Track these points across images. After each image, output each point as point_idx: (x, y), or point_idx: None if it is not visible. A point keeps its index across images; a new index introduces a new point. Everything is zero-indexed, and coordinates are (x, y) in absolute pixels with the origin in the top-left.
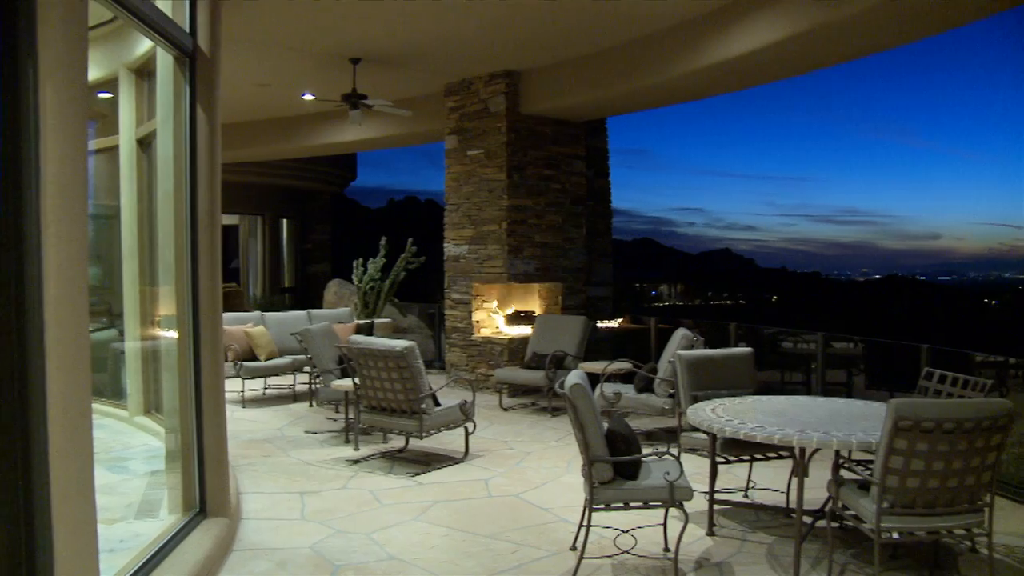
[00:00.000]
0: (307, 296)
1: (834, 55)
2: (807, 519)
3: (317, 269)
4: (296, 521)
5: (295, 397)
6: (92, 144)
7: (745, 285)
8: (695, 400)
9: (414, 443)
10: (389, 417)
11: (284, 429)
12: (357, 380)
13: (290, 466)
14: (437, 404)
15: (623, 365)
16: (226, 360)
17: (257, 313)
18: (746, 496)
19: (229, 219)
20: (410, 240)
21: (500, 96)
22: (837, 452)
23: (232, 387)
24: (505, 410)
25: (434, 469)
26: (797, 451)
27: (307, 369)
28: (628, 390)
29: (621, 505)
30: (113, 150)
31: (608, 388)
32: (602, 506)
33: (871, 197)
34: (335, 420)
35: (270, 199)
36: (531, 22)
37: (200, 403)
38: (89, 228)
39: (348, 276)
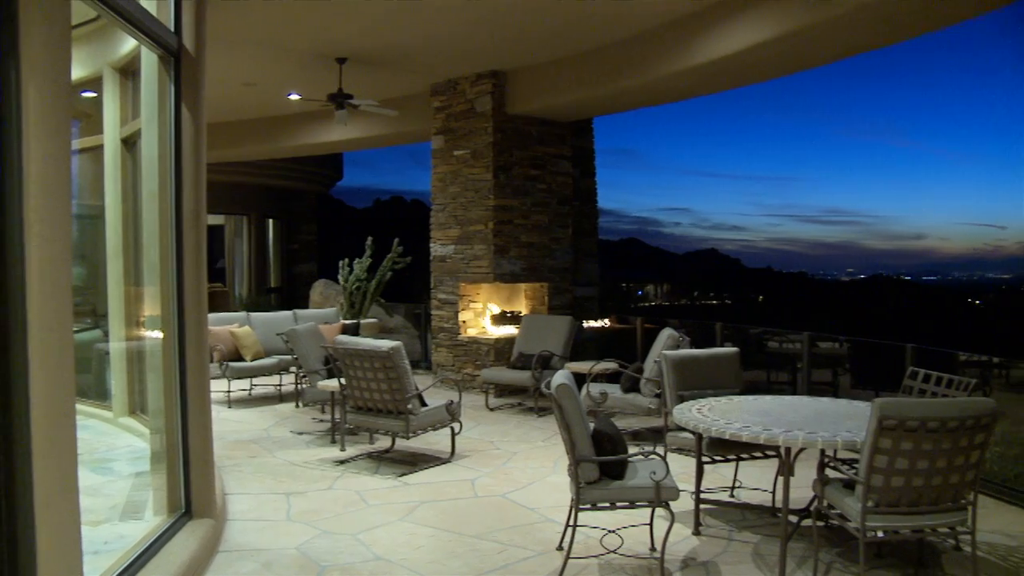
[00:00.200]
0: (293, 296)
1: (820, 56)
2: (793, 518)
3: (303, 269)
4: (282, 522)
5: (281, 398)
6: (76, 143)
7: (731, 285)
8: (681, 400)
9: (400, 443)
10: (375, 417)
11: (270, 430)
12: (343, 380)
13: (276, 467)
14: (423, 404)
15: (609, 365)
16: (212, 360)
17: (243, 313)
18: (732, 495)
19: (215, 219)
20: (396, 240)
21: (486, 96)
22: (822, 451)
23: (218, 387)
24: (491, 410)
25: (420, 469)
26: (783, 450)
27: (293, 369)
28: (614, 390)
29: (607, 505)
30: (98, 149)
31: (594, 388)
32: (588, 506)
33: (856, 197)
34: (321, 421)
35: (256, 199)
36: (517, 22)
37: (185, 404)
38: (73, 228)
39: (334, 276)
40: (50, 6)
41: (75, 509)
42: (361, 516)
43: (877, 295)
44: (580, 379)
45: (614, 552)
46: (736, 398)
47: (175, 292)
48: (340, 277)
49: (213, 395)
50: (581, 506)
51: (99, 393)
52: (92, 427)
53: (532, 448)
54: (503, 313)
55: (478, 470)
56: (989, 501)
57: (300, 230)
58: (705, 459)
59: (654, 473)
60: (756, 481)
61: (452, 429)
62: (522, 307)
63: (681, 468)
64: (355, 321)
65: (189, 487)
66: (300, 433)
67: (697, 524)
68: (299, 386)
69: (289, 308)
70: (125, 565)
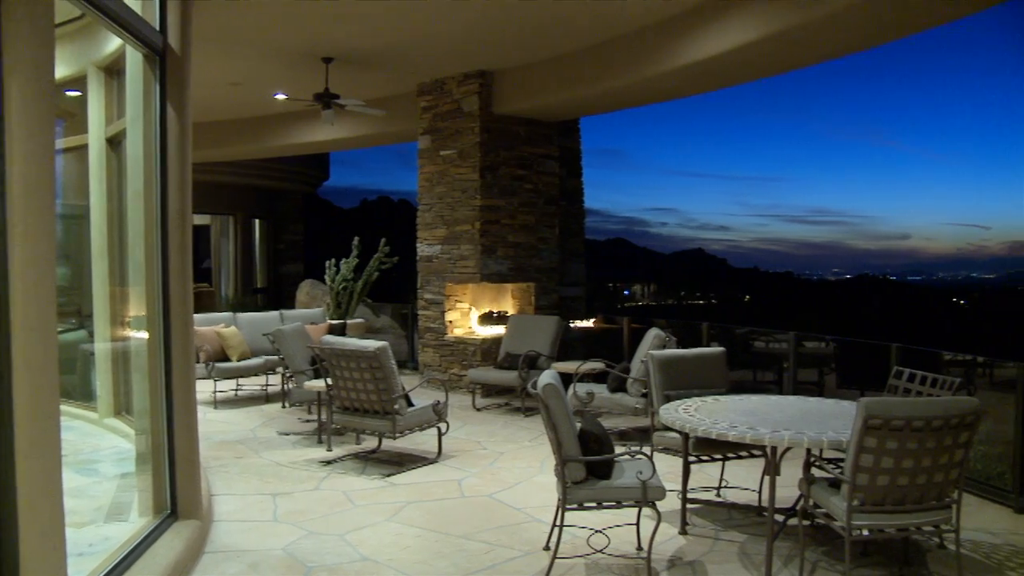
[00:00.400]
0: (279, 296)
1: (807, 56)
2: (779, 517)
3: (289, 269)
4: (268, 523)
5: (267, 398)
6: (60, 143)
7: (718, 285)
8: (668, 400)
9: (387, 444)
10: (362, 418)
11: (256, 430)
12: (330, 381)
13: (262, 467)
14: (410, 404)
15: (596, 365)
16: (198, 361)
17: (229, 314)
18: (718, 495)
19: (201, 219)
20: (383, 240)
21: (473, 96)
22: (808, 451)
23: (204, 388)
24: (478, 410)
25: (407, 470)
26: (769, 450)
27: (279, 370)
28: (601, 390)
29: (594, 505)
30: (82, 149)
31: (581, 388)
32: (575, 506)
33: (842, 197)
34: (308, 421)
35: (242, 199)
36: (504, 22)
37: (171, 404)
38: (58, 228)
39: (321, 276)
40: (33, 4)
41: (59, 511)
42: (348, 517)
43: (863, 295)
44: (567, 379)
45: (601, 552)
46: (722, 398)
47: (160, 292)
48: (327, 277)
49: (199, 396)
50: (568, 506)
51: (84, 394)
52: (77, 428)
53: (519, 448)
54: (490, 313)
55: (465, 470)
56: (973, 499)
57: (287, 230)
58: (691, 459)
59: (640, 473)
60: (742, 480)
61: (439, 429)
62: (509, 307)
63: (668, 468)
64: (342, 321)
65: (175, 488)
66: (286, 433)
67: (684, 523)
68: (285, 386)
69: (275, 308)
70: (110, 567)
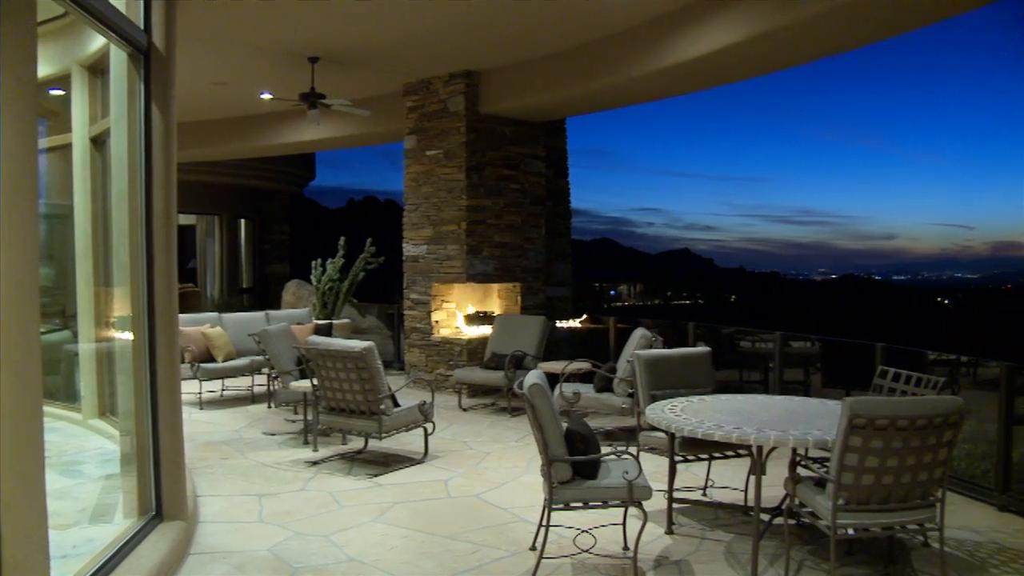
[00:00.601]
0: (265, 297)
1: (792, 57)
2: (765, 517)
3: (275, 269)
4: (254, 523)
5: (253, 399)
6: (44, 142)
7: (704, 285)
8: (654, 399)
9: (373, 444)
10: (348, 418)
11: (242, 431)
12: (316, 381)
13: (248, 468)
14: (396, 405)
15: (582, 365)
16: (183, 361)
17: (215, 314)
18: (705, 495)
19: (186, 219)
20: (369, 240)
21: (459, 96)
22: (794, 450)
23: (189, 389)
24: (464, 410)
25: (393, 470)
26: (754, 449)
27: (265, 370)
28: (587, 390)
29: (580, 504)
30: (66, 148)
31: (567, 388)
32: (561, 506)
33: (828, 198)
34: (294, 422)
35: (228, 199)
36: (491, 22)
37: (156, 405)
38: (41, 228)
39: (307, 276)
40: (15, 2)
41: (42, 512)
42: (334, 517)
43: (848, 295)
44: (553, 379)
45: (587, 552)
46: (708, 397)
47: (145, 293)
48: (313, 277)
49: (184, 396)
50: (554, 506)
51: (68, 395)
52: (61, 429)
53: (505, 448)
54: (476, 313)
55: (451, 470)
56: (957, 497)
57: (272, 230)
58: (678, 458)
59: (627, 472)
60: (728, 480)
61: (425, 429)
62: (495, 307)
63: (654, 467)
64: (328, 321)
65: (160, 489)
66: (272, 434)
67: (670, 523)
68: (271, 387)
69: (261, 309)
70: (94, 569)
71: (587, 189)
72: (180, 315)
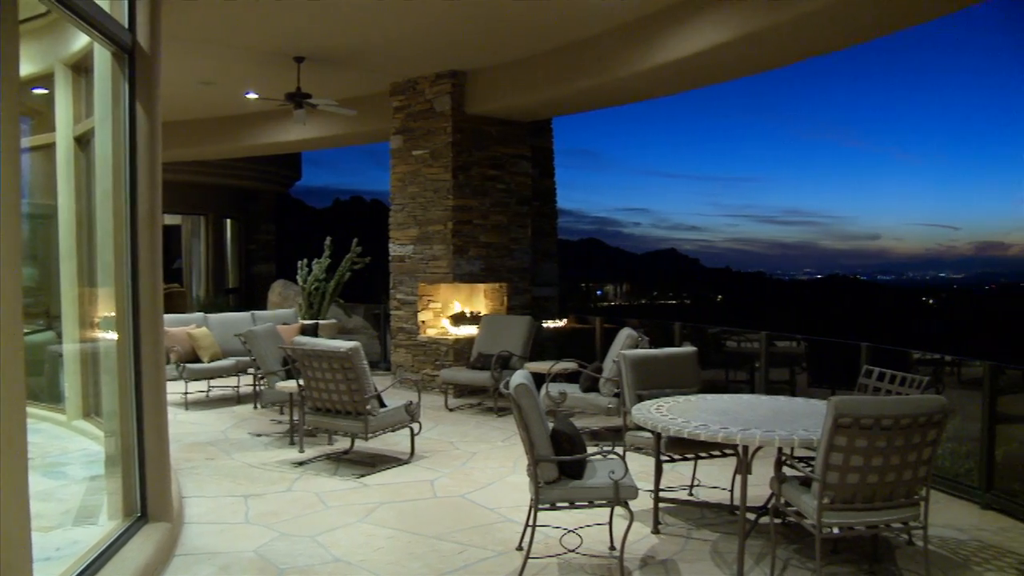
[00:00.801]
0: (251, 297)
1: (778, 58)
2: (750, 516)
3: (261, 270)
4: (240, 524)
5: (239, 399)
6: (27, 141)
7: (690, 285)
8: (640, 399)
9: (360, 444)
10: (334, 418)
11: (228, 431)
12: (302, 381)
13: (234, 469)
14: (382, 405)
15: (568, 365)
16: (168, 362)
17: (200, 314)
18: (691, 494)
19: (171, 219)
20: (355, 240)
21: (445, 96)
22: (780, 449)
23: (175, 389)
24: (451, 410)
25: (380, 470)
26: (740, 449)
27: (251, 371)
28: (574, 390)
29: (567, 504)
30: (49, 148)
31: (554, 388)
32: (548, 506)
33: (814, 198)
34: (280, 422)
35: (213, 199)
36: (477, 22)
37: (141, 406)
38: (24, 228)
39: (293, 277)
40: None
41: (25, 515)
42: (320, 518)
43: (834, 295)
44: (539, 379)
45: (573, 551)
46: (694, 397)
47: (130, 293)
48: (299, 277)
49: (170, 397)
50: (540, 506)
51: (52, 396)
52: (44, 431)
53: (491, 448)
54: (462, 313)
55: (437, 471)
56: (941, 496)
57: (258, 230)
58: (664, 458)
59: (613, 472)
60: (714, 479)
61: (411, 430)
62: (481, 307)
63: (640, 467)
64: (314, 322)
65: (145, 490)
66: (258, 435)
67: (656, 523)
68: (257, 387)
69: (247, 309)
70: (79, 571)
71: (574, 189)
72: (165, 315)
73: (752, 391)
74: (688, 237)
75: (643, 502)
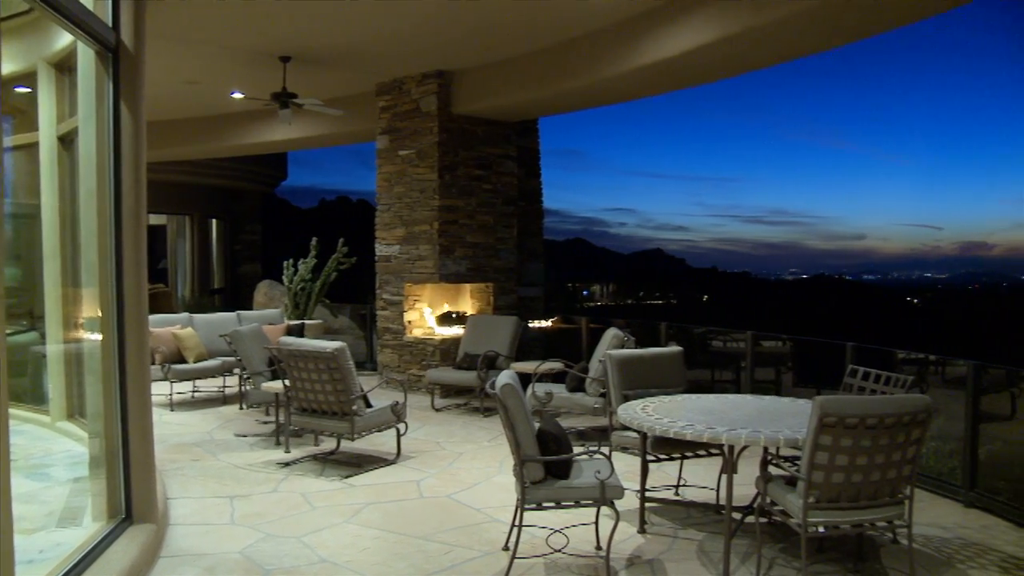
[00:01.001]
0: (237, 297)
1: (763, 58)
2: (736, 515)
3: (247, 270)
4: (226, 526)
5: (224, 400)
6: (9, 140)
7: (676, 285)
8: (626, 399)
9: (346, 445)
10: (320, 419)
11: (213, 432)
12: (287, 382)
13: (220, 470)
14: (369, 405)
15: (555, 365)
16: (153, 363)
17: (185, 314)
18: (677, 494)
19: (156, 219)
20: (341, 240)
21: (432, 96)
22: (765, 449)
23: (160, 390)
24: (437, 411)
25: (366, 471)
26: (726, 448)
27: (237, 371)
28: (560, 390)
29: (553, 504)
30: (33, 147)
31: (540, 388)
32: (534, 506)
33: (799, 198)
34: (265, 423)
35: (199, 198)
36: (463, 22)
37: (125, 407)
38: (7, 227)
39: (279, 277)
40: None
41: (7, 517)
42: (306, 518)
43: (819, 294)
44: (525, 379)
45: (560, 551)
46: (680, 397)
47: (114, 293)
48: (285, 278)
49: (155, 398)
50: (527, 506)
51: (36, 397)
52: (28, 432)
53: (478, 448)
54: (449, 313)
55: (424, 471)
56: (925, 495)
57: (244, 230)
58: (650, 458)
59: (599, 472)
60: (700, 479)
61: (398, 430)
62: (467, 307)
63: (626, 467)
64: (300, 322)
65: (130, 492)
66: (244, 435)
67: (642, 522)
68: (243, 388)
69: (233, 309)
70: (62, 573)
71: (560, 189)
72: (151, 316)
73: (738, 391)
74: (674, 237)
75: (629, 502)
